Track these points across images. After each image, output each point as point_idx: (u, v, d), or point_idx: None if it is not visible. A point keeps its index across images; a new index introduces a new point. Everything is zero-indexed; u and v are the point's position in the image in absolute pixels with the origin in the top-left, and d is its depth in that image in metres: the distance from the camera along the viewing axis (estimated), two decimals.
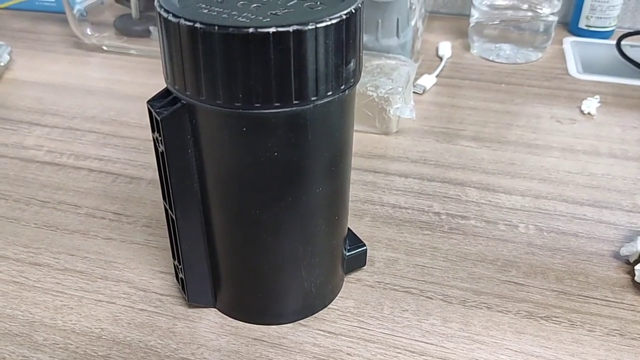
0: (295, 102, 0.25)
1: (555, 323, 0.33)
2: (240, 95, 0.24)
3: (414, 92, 0.57)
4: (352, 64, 0.26)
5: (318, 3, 0.25)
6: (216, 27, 0.23)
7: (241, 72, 0.24)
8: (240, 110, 0.25)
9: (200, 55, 0.24)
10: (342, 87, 0.26)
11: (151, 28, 0.65)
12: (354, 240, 0.35)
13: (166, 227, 0.31)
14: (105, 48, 0.66)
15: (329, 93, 0.26)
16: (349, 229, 0.34)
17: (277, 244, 0.29)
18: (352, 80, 0.27)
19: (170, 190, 0.29)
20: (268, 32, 0.23)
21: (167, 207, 0.30)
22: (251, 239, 0.29)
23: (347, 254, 0.34)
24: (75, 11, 0.65)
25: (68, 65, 0.64)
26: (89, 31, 0.66)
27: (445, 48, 0.66)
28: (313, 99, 0.25)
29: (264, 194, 0.28)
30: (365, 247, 0.35)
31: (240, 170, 0.27)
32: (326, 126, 0.27)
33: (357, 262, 0.35)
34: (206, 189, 0.28)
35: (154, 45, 0.66)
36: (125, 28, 0.66)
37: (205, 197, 0.29)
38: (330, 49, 0.24)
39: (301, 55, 0.24)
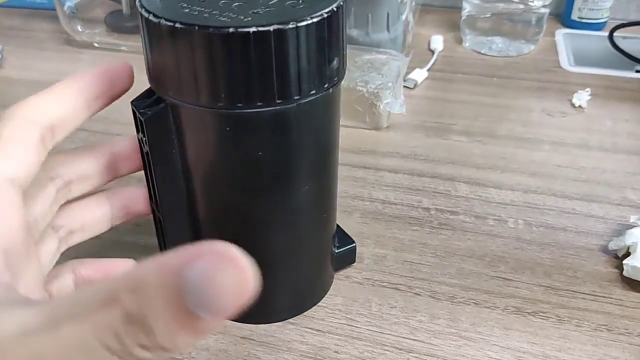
0: (278, 101, 0.25)
1: (542, 318, 0.33)
2: (223, 95, 0.24)
3: (405, 87, 0.57)
4: (335, 62, 0.26)
5: (300, 1, 0.25)
6: (196, 27, 0.23)
7: (222, 72, 0.24)
8: (223, 110, 0.25)
9: (181, 56, 0.24)
10: (326, 86, 0.26)
11: None
12: (343, 238, 0.35)
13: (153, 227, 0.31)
14: (96, 45, 0.66)
15: (312, 92, 0.25)
16: (338, 226, 0.34)
17: (264, 243, 0.29)
18: (335, 79, 0.27)
19: (156, 191, 0.29)
20: (248, 32, 0.23)
21: (154, 208, 0.30)
22: (238, 239, 0.29)
23: (336, 251, 0.34)
24: (65, 8, 0.65)
25: (59, 63, 0.63)
26: (79, 28, 0.66)
27: (437, 42, 0.66)
28: (296, 98, 0.25)
29: (249, 194, 0.28)
30: (354, 244, 0.35)
31: (225, 171, 0.27)
32: (311, 125, 0.27)
33: (346, 259, 0.36)
34: (192, 189, 0.28)
35: None
36: (117, 24, 0.66)
37: (191, 197, 0.29)
38: (312, 48, 0.24)
39: (283, 54, 0.24)
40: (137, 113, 0.27)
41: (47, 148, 0.24)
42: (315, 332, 0.32)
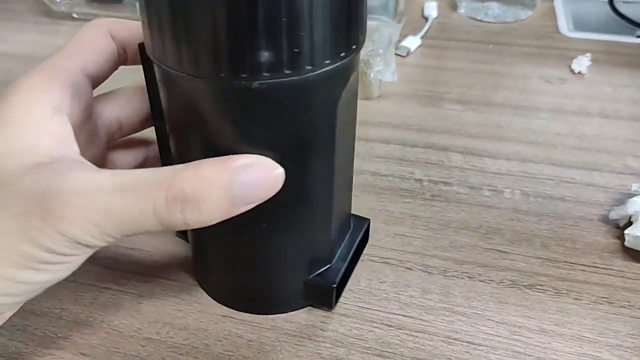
0: (287, 72, 0.21)
1: (539, 291, 0.31)
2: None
3: (397, 55, 0.55)
4: (355, 26, 0.23)
5: None
6: None
7: (228, 37, 0.20)
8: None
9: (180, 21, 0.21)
10: (343, 55, 0.23)
11: None
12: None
13: None
14: (75, 16, 0.63)
15: (328, 62, 0.22)
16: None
17: (268, 231, 0.27)
18: (354, 46, 0.23)
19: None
20: None
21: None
22: (242, 229, 0.27)
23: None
24: None
25: (37, 35, 0.61)
26: None
27: (431, 8, 0.63)
28: (308, 68, 0.22)
29: None
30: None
31: (225, 148, 0.24)
32: (325, 100, 0.24)
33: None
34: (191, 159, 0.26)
35: (127, 11, 0.63)
36: None
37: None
38: (329, 7, 0.21)
39: (294, 12, 0.20)
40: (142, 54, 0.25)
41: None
42: (300, 310, 0.30)
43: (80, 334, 0.29)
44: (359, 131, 0.33)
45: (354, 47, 0.23)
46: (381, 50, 0.47)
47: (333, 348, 0.28)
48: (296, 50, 0.21)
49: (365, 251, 0.33)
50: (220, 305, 0.30)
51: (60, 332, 0.29)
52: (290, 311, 0.30)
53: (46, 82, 0.23)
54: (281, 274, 0.29)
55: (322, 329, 0.29)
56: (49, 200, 0.20)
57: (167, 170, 0.20)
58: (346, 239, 0.31)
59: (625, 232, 0.33)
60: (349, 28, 0.22)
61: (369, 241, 0.34)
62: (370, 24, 0.51)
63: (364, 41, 0.24)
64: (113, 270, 0.32)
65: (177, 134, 0.25)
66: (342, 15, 0.21)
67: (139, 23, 0.24)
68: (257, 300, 0.30)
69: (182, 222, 0.20)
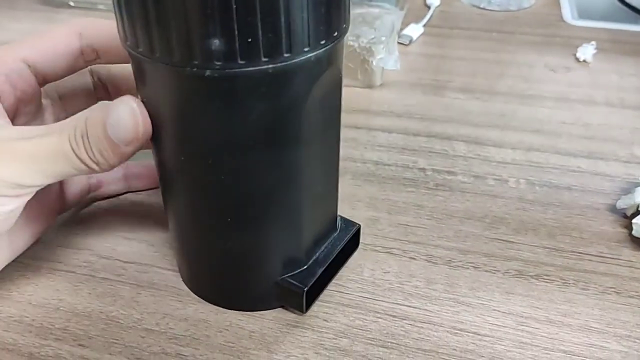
0: (286, 55, 0.21)
1: (546, 282, 0.31)
2: (245, 52, 0.20)
3: (399, 43, 0.54)
4: (341, 5, 0.22)
5: None
6: None
7: (179, 22, 0.20)
8: (243, 69, 0.21)
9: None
10: (335, 35, 0.22)
11: None
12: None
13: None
14: (72, 4, 0.62)
15: (323, 42, 0.21)
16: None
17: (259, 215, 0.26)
18: (344, 26, 0.23)
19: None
20: None
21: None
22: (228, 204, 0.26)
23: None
24: None
25: (33, 23, 0.60)
26: None
27: None
28: (306, 50, 0.21)
29: (243, 161, 0.24)
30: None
31: (207, 142, 0.23)
32: (315, 85, 0.23)
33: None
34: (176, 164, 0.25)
35: None
36: None
37: (173, 172, 0.26)
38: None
39: None
40: None
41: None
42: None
43: (78, 325, 0.28)
44: (362, 120, 0.33)
45: (323, 42, 0.21)
46: (383, 38, 0.46)
47: (336, 339, 0.28)
48: (249, 40, 0.20)
49: (368, 241, 0.33)
50: None
51: (57, 323, 0.28)
52: (263, 310, 0.29)
53: None
54: (248, 270, 0.28)
55: (324, 320, 0.29)
56: None
57: (76, 115, 0.24)
58: (328, 242, 0.29)
59: (633, 221, 0.33)
60: (315, 21, 0.21)
61: (372, 231, 0.33)
62: (372, 11, 0.50)
63: (334, 38, 0.22)
64: (111, 261, 0.32)
65: (151, 117, 0.24)
66: (303, 7, 0.20)
67: (114, 23, 0.23)
68: (227, 295, 0.29)
69: (91, 160, 0.24)
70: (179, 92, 0.22)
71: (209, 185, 0.25)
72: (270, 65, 0.20)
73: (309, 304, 0.28)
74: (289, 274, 0.28)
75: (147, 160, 0.34)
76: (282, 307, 0.29)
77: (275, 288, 0.28)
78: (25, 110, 0.29)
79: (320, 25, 0.21)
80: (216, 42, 0.19)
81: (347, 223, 0.31)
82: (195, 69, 0.20)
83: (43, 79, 0.28)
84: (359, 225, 0.31)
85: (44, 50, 0.27)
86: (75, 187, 0.33)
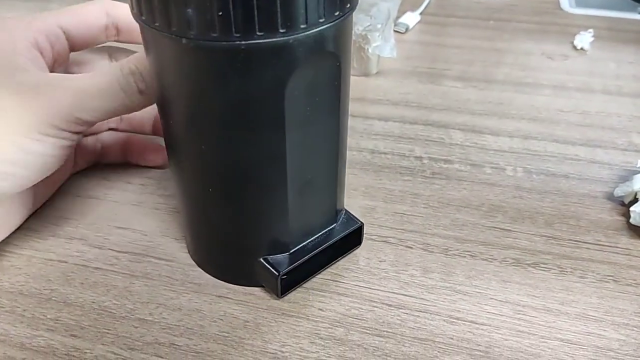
0: (281, 31, 0.20)
1: (543, 270, 0.30)
2: (216, 25, 0.20)
3: (396, 31, 0.53)
4: None
5: None
6: None
7: None
8: (216, 42, 0.20)
9: None
10: (337, 14, 0.22)
11: None
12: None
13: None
14: None
15: (322, 20, 0.21)
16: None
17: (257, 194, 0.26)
18: (349, 5, 0.22)
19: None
20: None
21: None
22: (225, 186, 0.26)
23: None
24: None
25: (27, 13, 0.59)
26: None
27: None
28: (302, 27, 0.21)
29: (240, 139, 0.24)
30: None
31: (210, 114, 0.23)
32: (318, 62, 0.23)
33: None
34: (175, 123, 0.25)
35: None
36: None
37: (167, 137, 0.26)
38: None
39: None
40: None
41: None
42: (299, 289, 0.29)
43: (70, 316, 0.28)
44: (358, 108, 0.32)
45: (303, 26, 0.21)
46: (379, 25, 0.46)
47: (331, 328, 0.27)
48: (220, 13, 0.20)
49: (364, 230, 0.32)
50: (214, 285, 0.29)
51: (49, 314, 0.28)
52: (251, 286, 0.29)
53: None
54: (230, 244, 0.28)
55: (320, 309, 0.28)
56: (41, 95, 0.26)
57: (119, 62, 0.27)
58: (322, 233, 0.29)
59: (631, 209, 0.32)
60: (288, 3, 0.20)
61: (368, 220, 0.33)
62: None
63: (317, 24, 0.21)
64: (104, 250, 0.31)
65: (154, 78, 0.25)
66: None
67: None
68: (216, 265, 0.30)
69: (136, 89, 0.27)
70: (163, 57, 0.23)
71: (192, 154, 0.25)
72: (243, 42, 0.20)
73: (285, 289, 0.28)
74: (271, 256, 0.28)
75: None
76: (270, 292, 0.29)
77: (256, 267, 0.28)
78: (57, 71, 0.31)
79: (295, 9, 0.20)
80: (189, 12, 0.20)
81: (350, 219, 0.30)
82: (173, 36, 0.21)
83: (71, 46, 0.31)
84: (362, 223, 0.30)
85: (78, 20, 0.31)
86: (86, 150, 0.36)
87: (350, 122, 0.42)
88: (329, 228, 0.29)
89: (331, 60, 0.23)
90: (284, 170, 0.25)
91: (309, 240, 0.29)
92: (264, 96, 0.22)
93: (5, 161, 0.26)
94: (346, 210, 0.31)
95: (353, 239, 0.30)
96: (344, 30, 0.23)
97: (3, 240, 0.31)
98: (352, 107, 0.43)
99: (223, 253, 0.29)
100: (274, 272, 0.27)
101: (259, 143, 0.24)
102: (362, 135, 0.41)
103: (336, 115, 0.26)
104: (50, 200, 0.34)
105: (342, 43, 0.24)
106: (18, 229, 0.32)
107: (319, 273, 0.30)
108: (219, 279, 0.29)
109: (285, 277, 0.27)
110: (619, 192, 0.34)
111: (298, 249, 0.28)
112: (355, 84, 0.46)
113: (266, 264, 0.27)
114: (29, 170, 0.27)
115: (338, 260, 0.31)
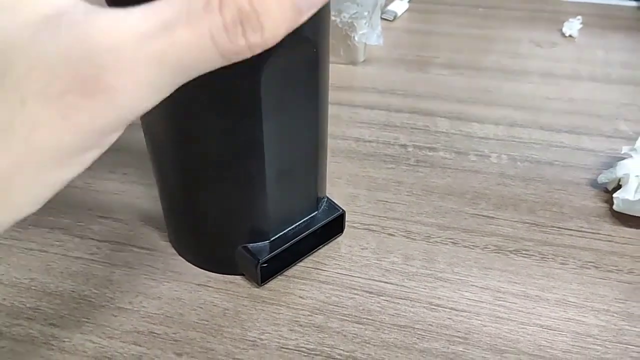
0: None
1: (525, 256, 0.30)
2: None
3: (383, 19, 0.53)
4: None
5: None
6: None
7: None
8: None
9: None
10: None
11: None
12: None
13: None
14: None
15: None
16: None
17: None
18: None
19: None
20: None
21: None
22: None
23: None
24: None
25: None
26: None
27: None
28: None
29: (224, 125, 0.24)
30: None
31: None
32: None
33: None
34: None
35: None
36: None
37: (153, 137, 0.26)
38: None
39: None
40: None
41: None
42: (279, 277, 0.29)
43: (49, 305, 0.28)
44: (344, 97, 0.32)
45: None
46: (366, 13, 0.45)
47: (311, 315, 0.27)
48: None
49: (347, 218, 0.32)
50: (195, 274, 0.29)
51: (28, 303, 0.28)
52: (230, 274, 0.29)
53: None
54: (209, 231, 0.28)
55: (300, 297, 0.28)
56: (86, 69, 0.15)
57: None
58: (303, 221, 0.29)
59: (614, 195, 0.32)
60: None
61: (351, 208, 0.33)
62: None
63: None
64: (84, 240, 0.31)
65: None
66: None
67: None
68: (196, 254, 0.29)
69: (245, 47, 0.16)
70: None
71: (169, 142, 0.25)
72: None
73: (265, 277, 0.28)
74: (251, 244, 0.27)
75: None
76: (251, 281, 0.29)
77: (236, 255, 0.28)
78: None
79: None
80: None
81: (332, 207, 0.30)
82: None
83: None
84: (343, 210, 0.30)
85: None
86: None
87: (336, 111, 0.41)
88: (310, 216, 0.29)
89: (307, 46, 0.23)
90: (262, 158, 0.25)
91: (290, 228, 0.28)
92: (240, 83, 0.22)
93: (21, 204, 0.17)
94: (328, 198, 0.30)
95: (335, 227, 0.30)
96: (320, 16, 0.23)
97: None
98: (339, 95, 0.43)
99: (203, 241, 0.29)
100: (253, 260, 0.27)
101: (235, 130, 0.24)
102: (347, 123, 0.40)
103: (315, 103, 0.26)
104: None
105: (318, 29, 0.23)
106: None
107: (301, 261, 0.30)
108: (199, 268, 0.29)
109: (265, 265, 0.27)
110: (602, 178, 0.34)
111: (278, 236, 0.28)
112: (342, 72, 0.46)
113: (245, 252, 0.27)
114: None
115: (320, 248, 0.31)
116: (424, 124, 0.40)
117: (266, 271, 0.28)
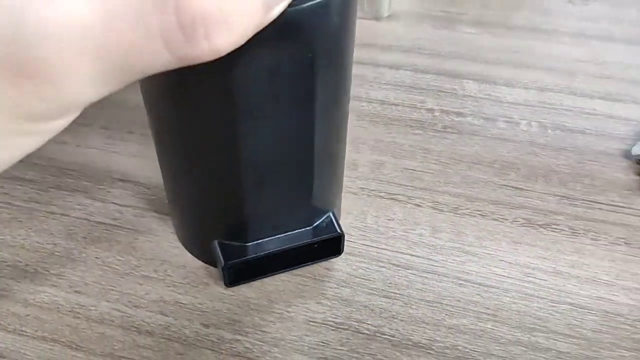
0: None
1: (555, 231, 0.30)
2: None
3: None
4: None
5: None
6: None
7: None
8: None
9: None
10: None
11: None
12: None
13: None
14: None
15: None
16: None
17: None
18: None
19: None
20: None
21: None
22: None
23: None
24: None
25: None
26: None
27: None
28: None
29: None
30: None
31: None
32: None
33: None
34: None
35: None
36: None
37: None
38: None
39: None
40: None
41: None
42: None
43: (74, 272, 0.28)
44: (367, 55, 0.30)
45: None
46: None
47: (337, 288, 0.27)
48: None
49: (372, 187, 0.32)
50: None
51: (52, 269, 0.28)
52: (214, 267, 0.28)
53: None
54: (192, 223, 0.27)
55: (326, 268, 0.28)
56: (22, 56, 0.14)
57: None
58: (293, 232, 0.26)
59: None
60: None
61: (376, 176, 0.32)
62: None
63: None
64: (106, 204, 0.31)
65: None
66: None
67: None
68: (187, 243, 0.29)
69: (208, 49, 0.15)
70: None
71: (153, 128, 0.25)
72: None
73: (235, 281, 0.26)
74: (229, 242, 0.26)
75: None
76: None
77: (211, 249, 0.26)
78: None
79: None
80: None
81: (331, 225, 0.27)
82: None
83: None
84: (341, 233, 0.27)
85: None
86: None
87: (360, 70, 0.40)
88: (300, 229, 0.27)
89: (299, 51, 0.20)
90: (238, 158, 0.23)
91: (275, 236, 0.26)
92: (212, 79, 0.20)
93: None
94: (333, 214, 0.27)
95: (329, 247, 0.27)
96: (320, 16, 0.20)
97: (3, 192, 0.30)
98: (362, 53, 0.41)
99: (190, 231, 0.28)
100: (222, 260, 0.25)
101: (209, 127, 0.22)
102: (372, 84, 0.39)
103: (310, 110, 0.23)
104: (49, 151, 0.34)
105: (316, 31, 0.20)
106: (17, 180, 0.32)
107: (288, 271, 0.28)
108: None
109: (232, 268, 0.26)
110: (636, 150, 0.33)
111: (259, 242, 0.26)
112: (365, 29, 0.44)
113: (217, 250, 0.26)
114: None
115: (311, 265, 0.28)
116: (451, 86, 0.39)
117: (237, 274, 0.26)
